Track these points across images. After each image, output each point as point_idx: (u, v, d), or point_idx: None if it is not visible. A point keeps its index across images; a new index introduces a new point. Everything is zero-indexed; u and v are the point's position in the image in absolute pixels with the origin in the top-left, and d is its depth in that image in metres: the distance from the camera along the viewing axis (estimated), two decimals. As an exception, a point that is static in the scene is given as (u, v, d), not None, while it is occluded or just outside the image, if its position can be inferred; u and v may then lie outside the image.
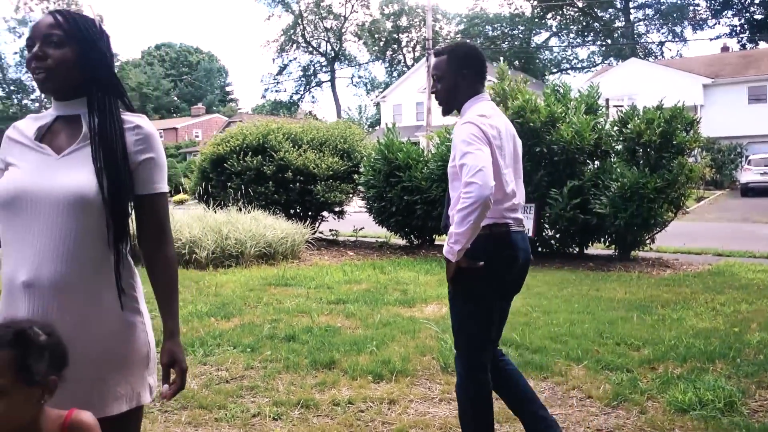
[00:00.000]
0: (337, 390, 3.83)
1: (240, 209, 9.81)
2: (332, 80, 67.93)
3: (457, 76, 2.66)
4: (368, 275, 7.95)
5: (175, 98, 76.87)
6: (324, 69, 68.43)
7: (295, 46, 66.28)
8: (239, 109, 71.25)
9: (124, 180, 1.60)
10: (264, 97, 71.08)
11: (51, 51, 1.59)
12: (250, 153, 10.74)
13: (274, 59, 67.57)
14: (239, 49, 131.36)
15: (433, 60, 2.83)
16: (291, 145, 10.95)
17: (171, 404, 3.58)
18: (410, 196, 9.65)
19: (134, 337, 1.69)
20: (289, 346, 4.71)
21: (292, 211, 11.28)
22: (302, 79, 68.62)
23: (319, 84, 69.55)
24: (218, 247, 8.42)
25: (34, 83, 1.65)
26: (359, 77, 70.67)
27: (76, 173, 1.57)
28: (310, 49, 66.80)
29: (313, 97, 72.76)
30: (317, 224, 11.41)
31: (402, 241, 11.09)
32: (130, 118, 1.69)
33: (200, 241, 8.37)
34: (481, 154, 2.40)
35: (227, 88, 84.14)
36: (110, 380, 1.63)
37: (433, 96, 2.81)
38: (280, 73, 67.75)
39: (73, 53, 1.61)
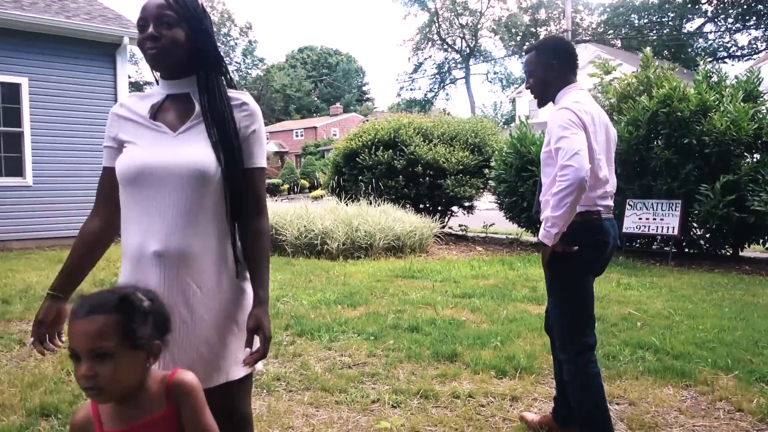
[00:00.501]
0: (458, 382, 3.74)
1: (370, 203, 9.97)
2: (467, 77, 67.52)
3: (547, 69, 2.75)
4: (496, 271, 7.75)
5: (315, 98, 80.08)
6: (459, 66, 68.23)
7: (430, 43, 66.69)
8: (375, 108, 72.81)
9: (237, 153, 1.68)
10: (399, 95, 72.28)
11: (164, 31, 1.65)
12: (381, 147, 10.90)
13: (409, 58, 68.42)
14: (376, 49, 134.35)
15: (524, 58, 2.89)
16: (421, 139, 10.97)
17: (295, 384, 3.69)
18: (543, 191, 9.29)
19: (248, 304, 1.76)
20: (412, 337, 4.69)
21: (421, 206, 11.30)
22: (437, 76, 68.86)
23: (453, 81, 69.47)
24: (348, 238, 8.61)
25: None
26: (494, 73, 69.66)
27: (195, 149, 1.64)
28: (445, 46, 66.90)
29: (447, 94, 72.86)
30: (446, 219, 11.35)
31: (533, 238, 10.72)
32: (236, 95, 1.75)
33: (332, 233, 8.60)
34: (577, 138, 2.45)
35: (364, 88, 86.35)
36: (230, 345, 1.71)
37: (528, 91, 2.87)
38: (415, 71, 68.50)
39: (184, 33, 1.67)
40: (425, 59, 68.57)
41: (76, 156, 10.24)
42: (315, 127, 57.93)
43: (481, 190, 11.21)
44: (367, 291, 6.38)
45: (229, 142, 1.66)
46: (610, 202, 2.74)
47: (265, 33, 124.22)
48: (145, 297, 1.31)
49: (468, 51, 66.14)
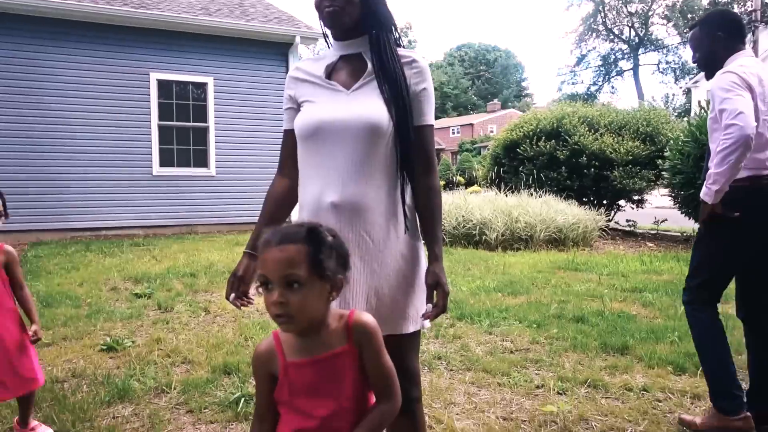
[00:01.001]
0: (630, 375, 3.49)
1: (531, 194, 9.69)
2: (635, 68, 63.43)
3: (712, 41, 2.78)
4: (670, 267, 7.16)
5: (473, 96, 79.72)
6: (626, 57, 64.34)
7: (594, 34, 63.56)
8: (534, 104, 70.88)
9: (408, 109, 1.71)
10: (560, 90, 69.51)
11: None
12: (543, 138, 10.54)
13: (571, 50, 65.74)
14: (536, 43, 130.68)
15: (688, 35, 2.94)
16: (586, 129, 10.43)
17: (455, 364, 3.66)
18: (726, 183, 8.43)
19: (418, 261, 1.78)
20: (578, 327, 4.46)
21: (584, 199, 10.77)
22: (601, 68, 65.47)
23: (619, 73, 65.59)
24: (507, 229, 8.43)
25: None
26: (666, 63, 64.62)
27: (368, 104, 1.70)
28: (611, 36, 63.41)
29: (612, 87, 68.70)
30: (612, 213, 10.70)
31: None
32: (406, 53, 1.78)
33: (490, 223, 8.47)
34: (741, 99, 2.46)
35: (523, 84, 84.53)
36: (401, 301, 1.74)
37: (696, 66, 2.96)
38: (577, 64, 65.67)
39: None
40: (589, 51, 65.54)
41: (252, 148, 11.06)
42: (472, 124, 57.65)
43: (653, 183, 10.42)
44: (527, 281, 6.19)
45: (400, 97, 1.70)
46: None
47: (423, 33, 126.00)
48: (328, 233, 1.34)
49: (637, 40, 62.11)
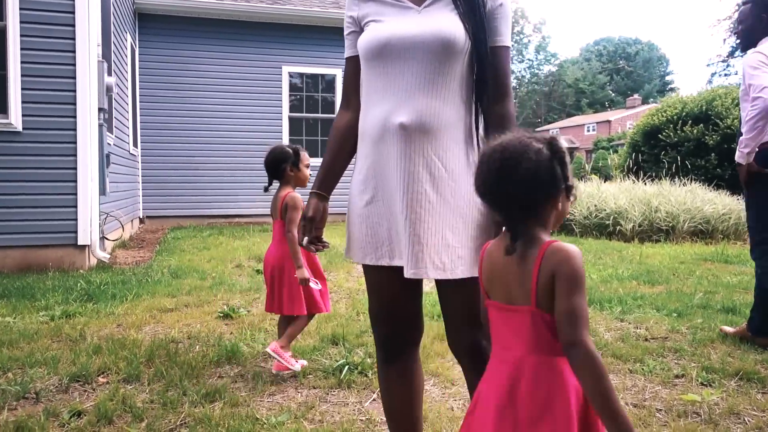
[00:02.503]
0: (794, 371, 2.96)
1: (673, 183, 8.84)
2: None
3: (756, 20, 3.23)
4: None
5: (611, 92, 75.95)
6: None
7: (751, 20, 57.98)
8: (680, 96, 65.92)
9: (484, 24, 1.53)
10: (710, 82, 64.10)
11: None
12: (689, 122, 9.58)
13: (725, 39, 59.91)
14: (683, 34, 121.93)
15: (740, 8, 3.36)
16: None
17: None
18: None
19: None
20: (727, 318, 3.92)
21: (737, 189, 9.67)
22: None
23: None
24: (646, 219, 7.74)
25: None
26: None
27: (441, 19, 1.52)
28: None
29: (772, 78, 62.04)
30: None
31: None
32: None
33: (626, 213, 7.82)
34: (765, 75, 2.96)
35: (667, 78, 79.20)
36: (477, 238, 1.53)
37: (735, 36, 3.58)
38: (731, 54, 60.15)
39: None
40: (744, 39, 59.81)
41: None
42: (609, 121, 54.81)
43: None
44: (667, 271, 5.61)
45: (476, 13, 1.52)
46: None
47: (559, 28, 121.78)
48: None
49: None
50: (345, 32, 1.70)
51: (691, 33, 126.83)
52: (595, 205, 8.14)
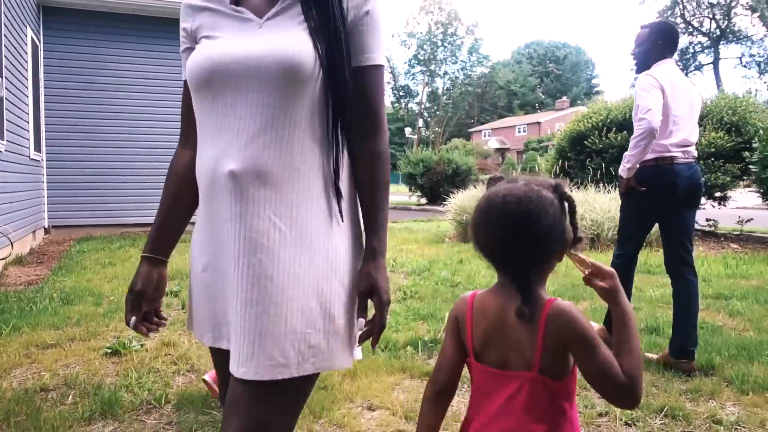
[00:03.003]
0: (718, 403, 2.83)
1: (599, 190, 8.88)
2: (715, 62, 60.03)
3: (652, 45, 3.49)
4: (760, 271, 6.28)
5: (540, 94, 77.97)
6: (705, 50, 61.02)
7: (671, 27, 60.68)
8: (605, 101, 68.35)
9: (341, 40, 1.20)
10: (633, 86, 66.77)
11: None
12: (614, 129, 9.65)
13: (646, 45, 62.49)
14: (608, 39, 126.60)
15: (638, 32, 3.58)
16: (662, 119, 9.49)
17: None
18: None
19: (356, 258, 1.27)
20: (651, 339, 3.80)
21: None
22: (679, 63, 62.21)
23: (699, 67, 62.19)
24: (572, 227, 7.70)
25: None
26: (750, 56, 60.90)
27: (286, 37, 1.18)
28: (690, 29, 60.21)
29: (691, 82, 65.41)
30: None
31: (810, 238, 8.68)
32: None
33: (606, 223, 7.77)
34: (652, 98, 3.19)
35: (593, 81, 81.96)
36: (339, 321, 1.21)
37: (631, 56, 3.63)
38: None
39: None
40: (665, 45, 62.60)
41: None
42: (538, 123, 56.19)
43: (737, 179, 9.37)
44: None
45: (332, 26, 1.19)
46: (689, 149, 3.36)
47: (491, 31, 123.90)
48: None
49: (718, 32, 58.74)
50: (180, 49, 1.34)
51: (615, 38, 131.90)
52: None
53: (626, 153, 3.31)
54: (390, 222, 12.56)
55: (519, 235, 1.11)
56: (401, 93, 75.08)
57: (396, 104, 74.85)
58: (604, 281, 1.20)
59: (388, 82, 72.93)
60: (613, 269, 1.20)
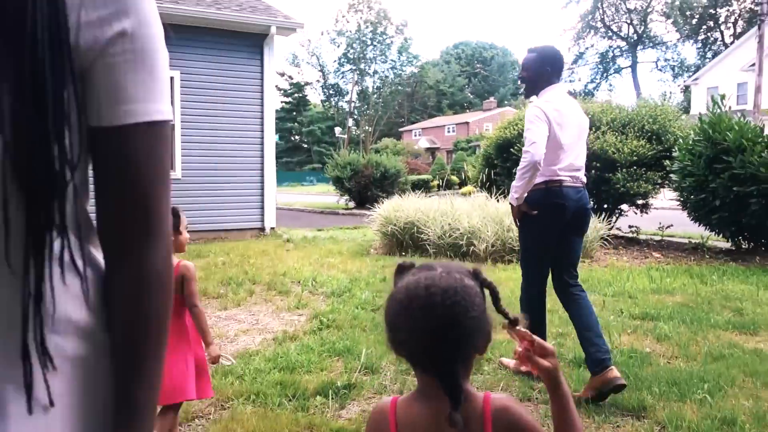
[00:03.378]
0: (652, 457, 2.60)
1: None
2: (633, 65, 62.75)
3: (539, 71, 3.51)
4: (683, 284, 6.26)
5: (469, 94, 79.13)
6: (624, 54, 63.63)
7: (593, 32, 62.82)
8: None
9: (55, 94, 0.65)
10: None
11: None
12: (538, 136, 9.61)
13: (569, 48, 64.65)
14: (533, 42, 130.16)
15: (526, 56, 3.62)
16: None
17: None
18: (741, 186, 7.51)
19: None
20: (579, 374, 3.57)
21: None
22: (599, 66, 64.77)
23: (618, 71, 64.87)
24: (499, 239, 7.52)
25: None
26: (665, 60, 63.93)
27: None
28: (610, 33, 62.67)
29: (610, 85, 67.72)
30: (614, 219, 9.79)
31: (726, 244, 8.86)
32: None
33: (479, 232, 7.56)
34: (538, 130, 3.29)
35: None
36: None
37: (519, 80, 3.78)
38: (575, 62, 64.84)
39: None
40: (587, 48, 64.85)
41: (222, 149, 10.15)
42: (467, 123, 56.91)
43: (659, 186, 9.50)
44: (517, 303, 5.29)
45: (35, 56, 0.63)
46: (576, 174, 3.43)
47: (420, 30, 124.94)
48: None
49: (635, 37, 61.37)
50: None
51: (540, 40, 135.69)
52: (449, 224, 7.82)
53: (513, 183, 3.40)
54: (315, 230, 12.16)
55: (447, 332, 1.01)
56: (331, 91, 74.51)
57: (326, 102, 74.17)
58: (545, 358, 1.10)
59: (318, 81, 72.19)
60: (553, 347, 1.12)
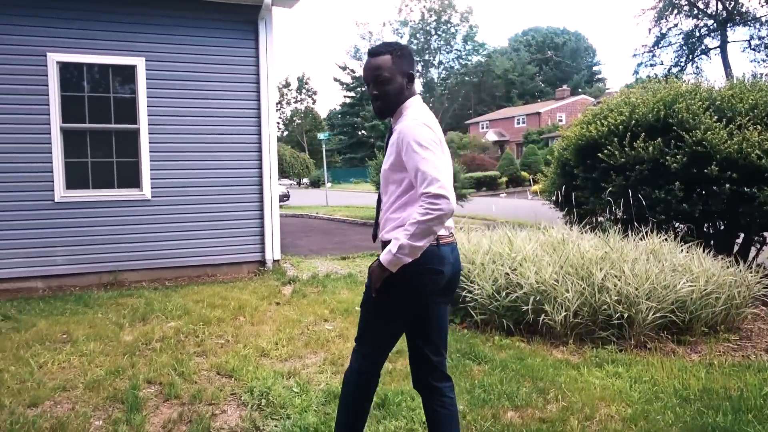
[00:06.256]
0: None
1: (625, 228, 5.86)
2: (722, 45, 56.80)
3: (403, 77, 2.48)
4: None
5: (540, 82, 75.08)
6: (712, 33, 57.80)
7: (676, 10, 57.32)
8: (607, 89, 65.34)
9: None
10: (636, 73, 63.36)
11: None
12: (642, 134, 6.61)
13: (650, 29, 59.26)
14: (609, 24, 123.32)
15: (372, 59, 2.48)
16: (714, 119, 6.42)
17: None
18: None
19: None
20: None
21: (707, 230, 6.82)
22: (683, 48, 59.14)
23: (705, 52, 58.94)
24: (585, 303, 4.68)
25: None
26: (759, 39, 57.62)
27: None
28: (695, 11, 56.94)
29: (696, 68, 61.86)
30: (756, 254, 6.69)
31: None
32: None
33: (554, 291, 4.75)
34: (441, 162, 2.26)
35: (594, 68, 78.91)
36: None
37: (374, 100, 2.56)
38: (656, 44, 59.47)
39: None
40: (669, 29, 59.25)
41: (206, 159, 7.70)
42: (538, 113, 53.22)
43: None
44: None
45: None
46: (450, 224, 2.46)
47: (486, 18, 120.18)
48: None
49: (725, 14, 55.49)
50: None
51: (616, 23, 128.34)
52: (507, 275, 5.03)
53: (405, 240, 2.22)
54: (338, 259, 9.53)
55: None
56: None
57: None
58: None
59: (357, 86, 70.09)
60: None
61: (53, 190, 7.07)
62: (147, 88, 7.43)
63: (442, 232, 2.37)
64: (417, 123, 2.29)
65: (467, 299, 5.14)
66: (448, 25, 67.44)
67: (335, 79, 73.22)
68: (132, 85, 7.41)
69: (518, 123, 54.75)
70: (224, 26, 7.73)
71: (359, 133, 69.68)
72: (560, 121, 50.82)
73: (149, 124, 7.46)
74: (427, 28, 66.84)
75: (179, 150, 7.60)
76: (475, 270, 5.23)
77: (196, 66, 7.62)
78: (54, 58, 7.01)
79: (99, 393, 3.80)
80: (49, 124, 7.02)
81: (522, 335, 4.88)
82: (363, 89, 71.22)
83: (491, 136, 54.18)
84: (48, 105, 7.00)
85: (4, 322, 5.54)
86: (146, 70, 7.41)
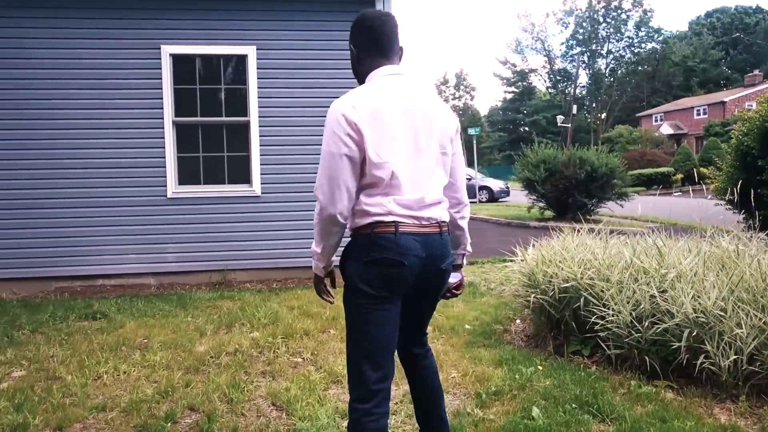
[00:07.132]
0: None
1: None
2: None
3: (351, 54, 2.46)
4: None
5: (725, 69, 67.32)
6: None
7: None
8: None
9: None
10: None
11: None
12: None
13: None
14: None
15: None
16: None
17: None
18: None
19: None
20: None
21: None
22: None
23: None
24: (758, 338, 3.35)
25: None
26: None
27: None
28: None
29: None
30: None
31: None
32: None
33: (720, 325, 3.46)
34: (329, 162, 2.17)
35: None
36: None
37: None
38: None
39: None
40: None
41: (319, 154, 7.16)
42: (723, 102, 47.52)
43: None
44: None
45: None
46: (423, 213, 2.11)
47: (663, 1, 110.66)
48: None
49: None
50: None
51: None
52: (652, 300, 3.80)
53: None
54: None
55: None
56: (558, 77, 68.77)
57: (552, 90, 68.88)
58: None
59: (544, 66, 67.20)
60: None
61: (166, 186, 6.92)
62: (258, 78, 7.04)
63: (402, 219, 2.06)
64: (332, 110, 2.11)
65: (596, 327, 3.98)
66: (619, 11, 62.87)
67: (495, 74, 71.53)
68: (243, 75, 7.07)
69: (698, 114, 49.36)
70: (337, 8, 7.12)
71: (520, 129, 67.38)
72: (750, 109, 45.02)
73: (259, 117, 7.08)
74: (595, 16, 62.80)
75: (290, 143, 7.13)
76: (610, 289, 4.04)
77: (306, 53, 7.10)
78: (167, 50, 6.85)
79: (132, 419, 3.27)
80: (162, 118, 6.88)
81: (670, 380, 3.64)
82: (524, 84, 68.77)
83: (666, 129, 49.39)
84: (161, 99, 6.87)
85: (96, 321, 5.36)
86: (257, 59, 7.02)
